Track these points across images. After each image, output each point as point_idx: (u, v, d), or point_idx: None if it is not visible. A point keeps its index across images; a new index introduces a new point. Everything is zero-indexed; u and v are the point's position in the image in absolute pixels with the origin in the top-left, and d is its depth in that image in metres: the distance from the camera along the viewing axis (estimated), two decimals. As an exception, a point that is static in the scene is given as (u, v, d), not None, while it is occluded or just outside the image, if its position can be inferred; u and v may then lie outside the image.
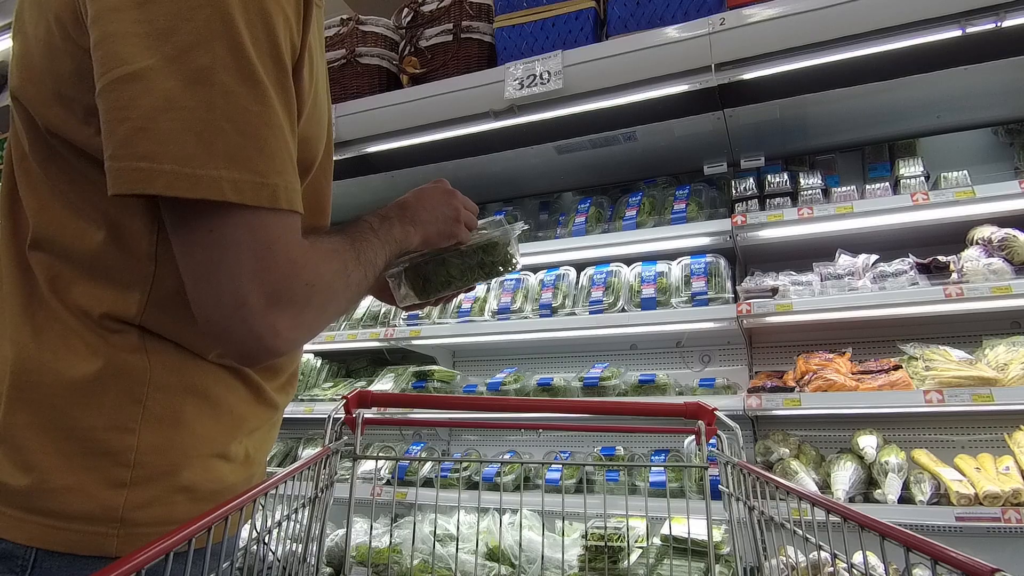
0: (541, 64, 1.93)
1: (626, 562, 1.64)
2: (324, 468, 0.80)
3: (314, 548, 0.78)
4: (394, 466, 2.05)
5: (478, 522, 1.99)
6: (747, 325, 1.98)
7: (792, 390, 1.78)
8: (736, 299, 1.92)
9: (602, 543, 1.60)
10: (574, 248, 2.21)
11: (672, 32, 1.80)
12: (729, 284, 1.99)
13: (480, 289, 2.37)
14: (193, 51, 0.53)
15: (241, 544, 0.62)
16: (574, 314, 2.14)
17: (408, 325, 2.32)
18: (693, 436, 1.01)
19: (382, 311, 2.45)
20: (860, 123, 2.13)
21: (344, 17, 2.37)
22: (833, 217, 1.83)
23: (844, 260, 1.88)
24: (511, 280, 2.32)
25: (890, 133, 2.19)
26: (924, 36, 1.58)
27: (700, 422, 0.95)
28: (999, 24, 1.50)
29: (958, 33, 1.53)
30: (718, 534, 1.88)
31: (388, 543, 1.92)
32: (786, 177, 2.00)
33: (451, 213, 0.82)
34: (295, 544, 0.73)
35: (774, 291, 1.85)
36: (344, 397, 0.89)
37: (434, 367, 2.37)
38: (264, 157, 0.55)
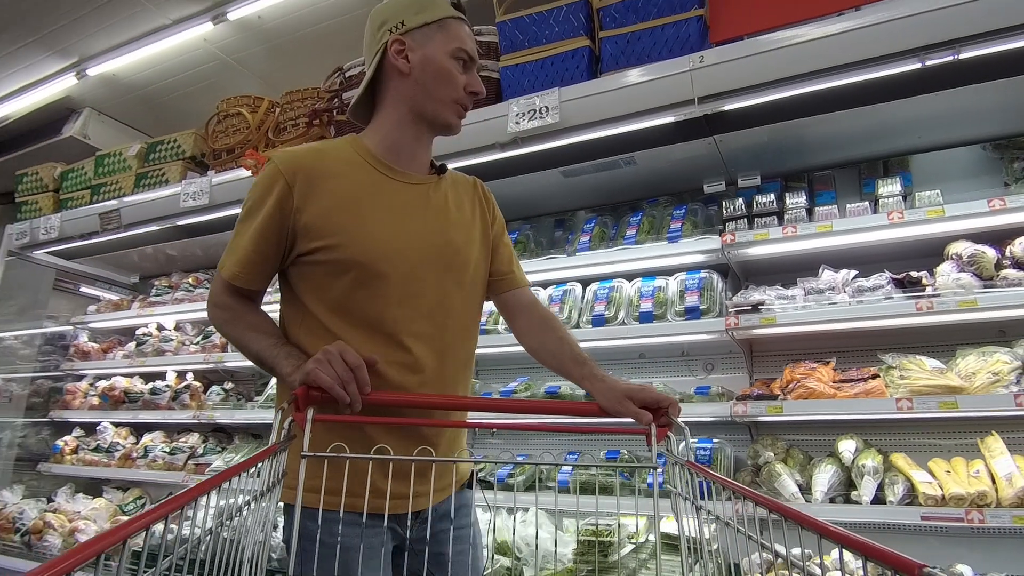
0: (540, 100, 2.12)
1: (615, 556, 1.80)
2: (272, 466, 0.82)
3: (258, 547, 0.79)
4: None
5: (492, 520, 2.18)
6: (738, 337, 2.11)
7: (775, 398, 1.91)
8: (726, 313, 2.06)
9: (593, 538, 1.77)
10: (578, 266, 2.38)
11: (656, 69, 1.96)
12: (722, 298, 2.13)
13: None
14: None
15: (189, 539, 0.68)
16: (579, 327, 2.31)
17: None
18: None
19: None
20: (855, 141, 2.23)
21: (362, 59, 2.61)
22: (815, 235, 1.95)
23: (827, 275, 1.99)
24: (522, 295, 2.51)
25: (884, 150, 2.28)
26: (886, 69, 1.69)
27: (651, 424, 1.04)
28: (957, 56, 1.60)
29: (918, 66, 1.65)
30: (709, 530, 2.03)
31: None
32: (773, 197, 2.12)
33: (318, 363, 0.96)
34: (243, 539, 0.75)
35: (759, 306, 1.98)
36: (294, 393, 0.92)
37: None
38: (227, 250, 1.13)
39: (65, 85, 4.35)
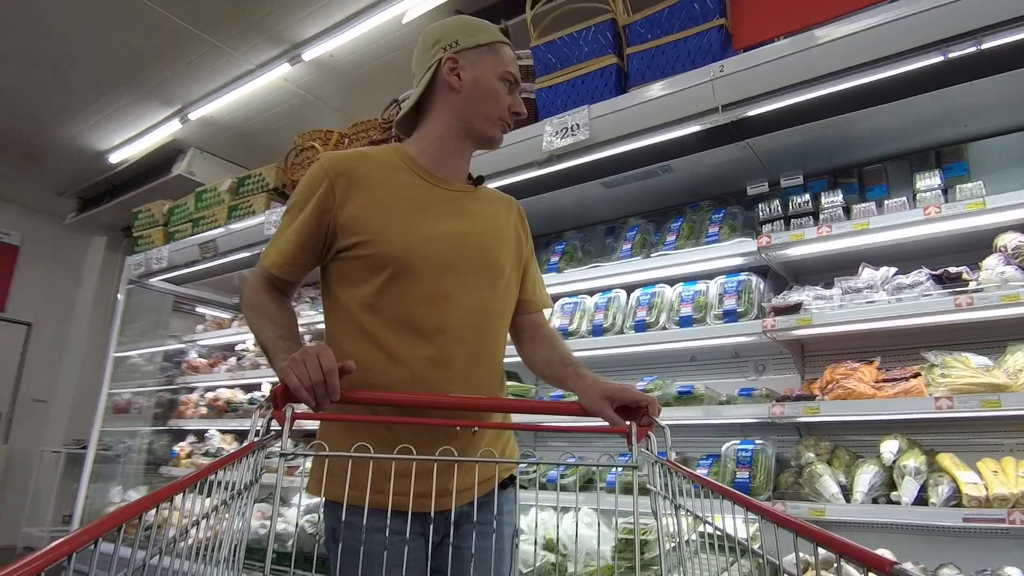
0: (571, 118, 2.23)
1: (651, 553, 1.88)
2: (251, 463, 0.84)
3: (234, 544, 0.79)
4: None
5: (536, 517, 2.31)
6: (780, 339, 2.11)
7: (813, 398, 1.91)
8: (764, 315, 2.07)
9: (630, 536, 1.85)
10: (620, 273, 2.45)
11: (678, 82, 2.02)
12: (760, 301, 2.14)
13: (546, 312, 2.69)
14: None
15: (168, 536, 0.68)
16: (622, 332, 2.39)
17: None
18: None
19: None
20: (902, 133, 2.16)
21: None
22: (851, 234, 1.93)
23: (867, 273, 1.96)
24: (570, 303, 2.62)
25: (935, 140, 2.20)
26: (910, 63, 1.67)
27: (632, 423, 1.05)
28: (979, 47, 1.56)
29: (941, 58, 1.62)
30: (750, 529, 2.05)
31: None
32: (808, 197, 2.11)
33: (293, 361, 0.96)
34: (221, 534, 0.76)
35: (796, 307, 1.99)
36: (273, 390, 0.93)
37: (510, 383, 2.72)
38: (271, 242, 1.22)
39: (172, 129, 4.92)
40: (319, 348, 0.98)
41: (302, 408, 0.95)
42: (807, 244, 2.03)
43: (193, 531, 0.69)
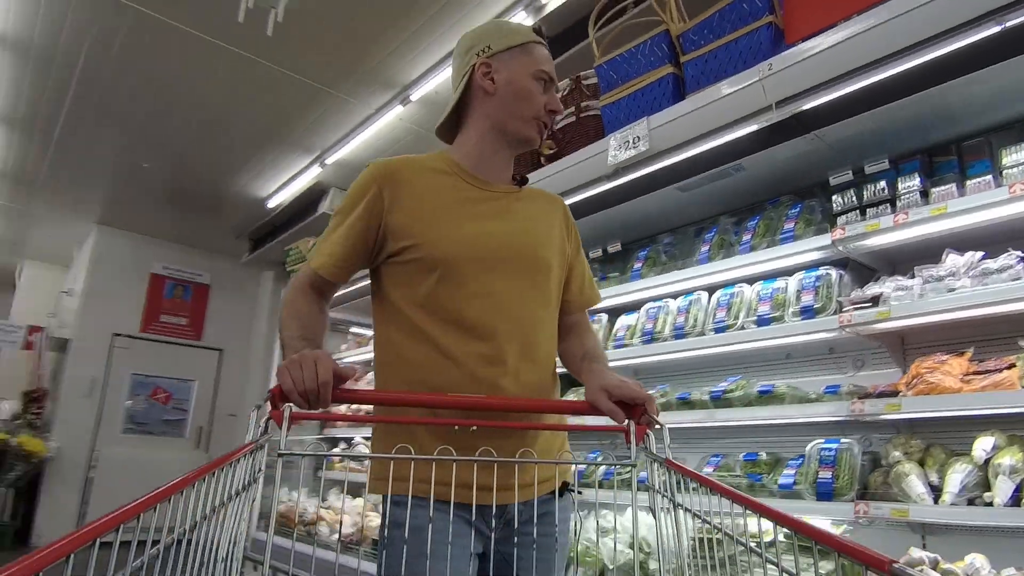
0: (632, 131, 2.32)
1: (728, 552, 1.89)
2: (250, 463, 0.84)
3: (233, 547, 0.80)
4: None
5: (615, 517, 2.40)
6: (864, 332, 2.03)
7: (896, 395, 1.82)
8: (841, 309, 2.01)
9: (708, 535, 1.89)
10: (699, 276, 2.48)
11: (727, 85, 2.04)
12: (837, 295, 2.07)
13: (633, 318, 2.78)
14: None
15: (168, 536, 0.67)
16: (703, 334, 2.42)
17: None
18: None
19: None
20: (996, 103, 1.99)
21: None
22: (928, 220, 1.83)
23: (951, 260, 1.84)
24: (654, 307, 2.68)
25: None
26: (968, 37, 1.57)
27: (630, 421, 1.05)
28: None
29: (997, 29, 1.51)
30: (837, 531, 1.99)
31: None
32: (884, 184, 2.01)
33: (290, 363, 0.98)
34: (220, 538, 0.76)
35: (875, 299, 1.91)
36: (271, 391, 0.93)
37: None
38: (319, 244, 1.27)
39: (314, 174, 5.63)
40: (318, 355, 0.98)
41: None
42: (883, 234, 1.94)
43: (193, 531, 0.68)
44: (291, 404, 0.94)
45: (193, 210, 6.64)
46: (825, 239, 2.07)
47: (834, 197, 2.15)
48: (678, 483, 1.01)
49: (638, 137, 2.29)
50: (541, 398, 1.23)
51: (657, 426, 1.06)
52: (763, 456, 2.32)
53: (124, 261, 7.27)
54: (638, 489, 1.07)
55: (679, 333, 2.49)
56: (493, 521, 1.10)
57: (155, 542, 0.60)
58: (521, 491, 1.10)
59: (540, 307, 1.25)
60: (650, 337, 2.58)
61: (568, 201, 2.63)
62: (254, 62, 4.07)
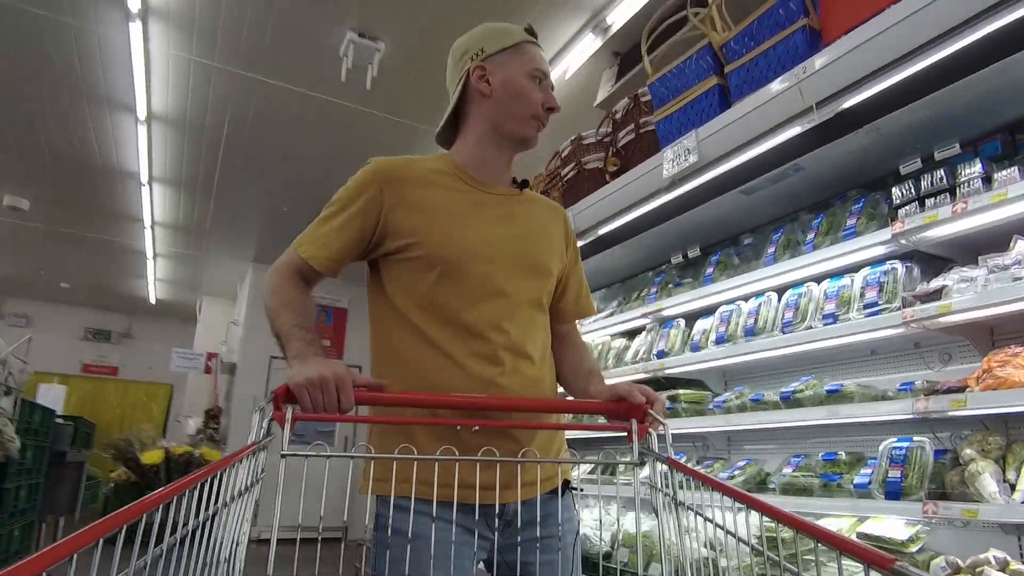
0: (682, 144, 2.41)
1: (787, 552, 1.91)
2: (251, 464, 0.83)
3: (238, 550, 0.80)
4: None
5: (679, 517, 2.45)
6: (932, 327, 1.95)
7: (963, 390, 1.76)
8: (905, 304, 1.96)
9: (773, 534, 1.93)
10: (765, 278, 2.48)
11: (768, 90, 2.08)
12: (904, 289, 2.02)
13: (708, 321, 2.82)
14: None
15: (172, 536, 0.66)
16: (772, 334, 2.43)
17: (656, 359, 2.94)
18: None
19: (642, 352, 3.11)
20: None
21: (572, 138, 3.23)
22: (989, 207, 1.75)
23: (1019, 247, 1.75)
24: (727, 310, 2.71)
25: None
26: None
27: (633, 420, 1.05)
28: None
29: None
30: (911, 531, 1.94)
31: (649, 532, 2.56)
32: (942, 173, 1.94)
33: (307, 375, 0.97)
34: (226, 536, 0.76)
35: (936, 293, 1.86)
36: (274, 392, 0.92)
37: (680, 390, 2.90)
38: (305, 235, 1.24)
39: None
40: (339, 378, 0.98)
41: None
42: (943, 225, 1.87)
43: (196, 532, 0.69)
44: (292, 405, 0.95)
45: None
46: (885, 234, 2.03)
47: (893, 189, 2.10)
48: (680, 482, 1.00)
49: (688, 150, 2.37)
50: (542, 397, 1.24)
51: (660, 426, 1.05)
52: (842, 456, 2.28)
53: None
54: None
55: (749, 335, 2.51)
56: (496, 520, 1.10)
57: (159, 541, 0.61)
58: (524, 490, 1.09)
59: (536, 309, 1.27)
60: (722, 339, 2.62)
61: (632, 215, 2.79)
62: (359, 111, 4.59)
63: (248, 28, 3.76)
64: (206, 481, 0.69)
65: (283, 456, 0.91)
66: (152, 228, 7.06)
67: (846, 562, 0.75)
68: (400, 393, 1.14)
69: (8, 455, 2.30)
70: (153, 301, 10.53)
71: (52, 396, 6.08)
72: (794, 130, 2.07)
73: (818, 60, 1.94)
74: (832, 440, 2.47)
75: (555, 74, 4.00)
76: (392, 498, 1.09)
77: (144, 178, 5.75)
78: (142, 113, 4.66)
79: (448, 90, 1.34)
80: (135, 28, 3.69)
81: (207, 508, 0.70)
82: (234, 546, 0.78)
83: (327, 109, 4.58)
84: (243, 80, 4.28)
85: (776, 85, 2.07)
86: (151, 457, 6.36)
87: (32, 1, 3.57)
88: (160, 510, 0.58)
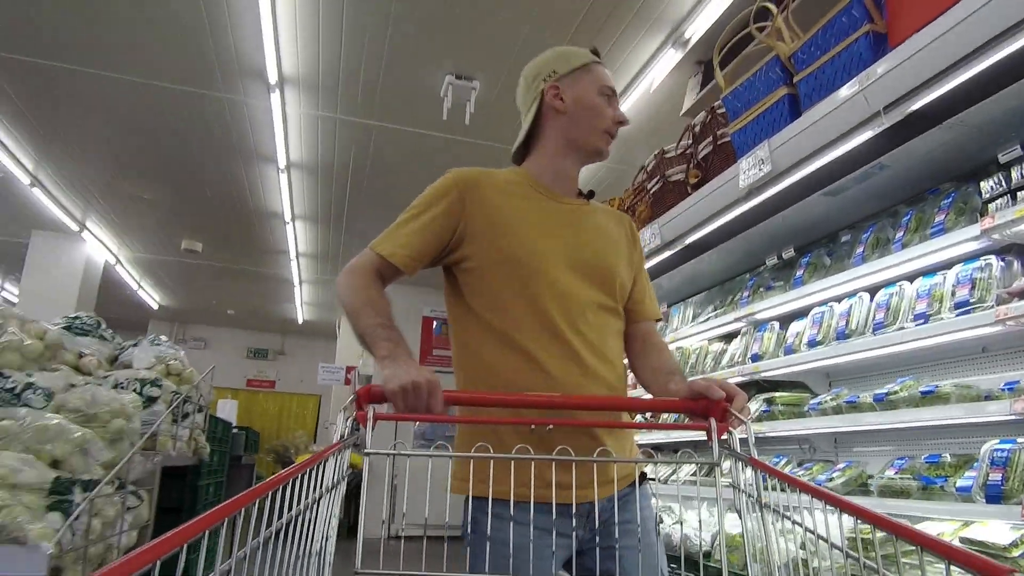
0: (756, 154, 2.47)
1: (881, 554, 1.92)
2: (337, 462, 0.86)
3: (327, 544, 0.81)
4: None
5: (767, 518, 2.47)
6: (1030, 324, 1.89)
7: (1058, 390, 1.70)
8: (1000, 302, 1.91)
9: (867, 536, 1.95)
10: (854, 279, 2.46)
11: (833, 99, 2.11)
12: (998, 286, 1.96)
13: (802, 324, 2.82)
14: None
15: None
16: (863, 335, 2.41)
17: (751, 363, 2.98)
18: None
19: (737, 356, 3.16)
20: None
21: (656, 152, 3.36)
22: (1077, 198, 1.69)
23: (1115, 238, 1.66)
24: (819, 312, 2.71)
25: None
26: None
27: (712, 418, 1.01)
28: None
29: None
30: (1015, 535, 1.87)
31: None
32: (1029, 164, 1.87)
33: (401, 380, 0.99)
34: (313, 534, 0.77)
35: (1027, 289, 1.80)
36: (356, 392, 0.94)
37: (777, 393, 2.92)
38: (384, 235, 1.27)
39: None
40: (431, 383, 1.01)
41: (383, 409, 0.99)
42: (1032, 218, 1.82)
43: (288, 526, 0.71)
44: (374, 405, 0.97)
45: (443, 262, 8.01)
46: (974, 230, 1.98)
47: (983, 183, 2.04)
48: (767, 483, 0.94)
49: (761, 160, 2.44)
50: (620, 396, 1.28)
51: (741, 424, 1.01)
52: (947, 458, 2.22)
53: (403, 308, 9.02)
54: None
55: (841, 337, 2.50)
56: (574, 520, 1.10)
57: (256, 534, 0.62)
58: (601, 488, 1.11)
59: (609, 313, 1.31)
60: (814, 343, 2.63)
61: (716, 224, 2.86)
62: (460, 141, 4.99)
63: (362, 84, 4.29)
64: (297, 478, 0.72)
65: (365, 454, 0.95)
66: (297, 259, 8.00)
67: (937, 568, 0.68)
68: (485, 394, 1.18)
69: (202, 459, 2.89)
70: (301, 322, 11.80)
71: (227, 409, 7.10)
72: (865, 135, 2.09)
73: (879, 67, 1.96)
74: (938, 442, 2.40)
75: (640, 88, 4.12)
76: (471, 496, 1.16)
77: (287, 217, 6.59)
78: (282, 163, 5.40)
79: (520, 111, 1.42)
80: (275, 96, 4.38)
81: (298, 503, 0.72)
82: (324, 540, 0.80)
83: (432, 143, 5.04)
84: (361, 127, 4.85)
85: (842, 92, 2.09)
86: (304, 460, 7.19)
87: (197, 84, 4.36)
88: (256, 504, 0.60)
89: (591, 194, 1.41)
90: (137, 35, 3.87)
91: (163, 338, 2.68)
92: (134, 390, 2.01)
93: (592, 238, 1.32)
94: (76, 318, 2.41)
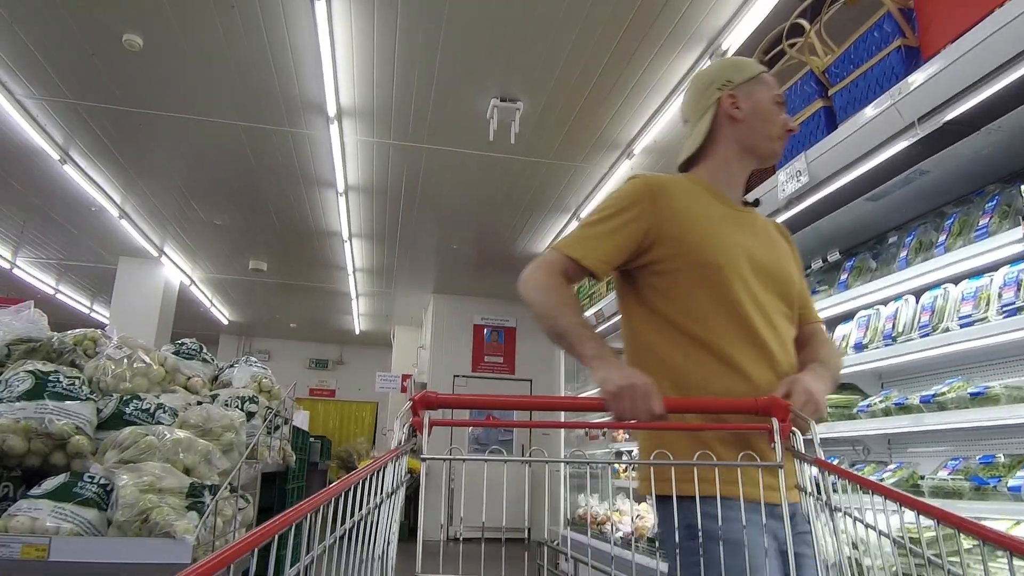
0: (793, 166, 2.56)
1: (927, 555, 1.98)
2: (396, 468, 0.87)
3: (389, 548, 0.83)
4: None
5: (831, 520, 2.52)
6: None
7: (1103, 390, 1.74)
8: (1042, 304, 1.95)
9: (915, 535, 2.02)
10: (897, 282, 2.51)
11: (867, 112, 2.18)
12: (1041, 288, 1.99)
13: (848, 327, 2.87)
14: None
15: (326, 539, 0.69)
16: (911, 339, 2.45)
17: (801, 366, 3.04)
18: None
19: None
20: None
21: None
22: (1113, 202, 1.73)
23: None
24: (865, 315, 2.76)
25: None
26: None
27: (774, 419, 0.98)
28: None
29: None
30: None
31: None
32: (1067, 169, 1.90)
33: (618, 382, 1.02)
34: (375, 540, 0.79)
35: (1068, 291, 1.84)
36: (412, 399, 0.96)
37: (837, 396, 2.96)
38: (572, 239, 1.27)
39: (572, 227, 6.59)
40: (648, 386, 1.03)
41: (439, 415, 1.01)
42: (1071, 222, 1.85)
43: (351, 531, 0.73)
44: (428, 411, 0.98)
45: (494, 270, 8.24)
46: (1017, 232, 2.02)
47: (1022, 187, 2.08)
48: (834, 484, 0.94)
49: (799, 171, 2.52)
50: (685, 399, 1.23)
51: (803, 424, 1.01)
52: (1000, 458, 2.25)
53: (454, 318, 9.30)
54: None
55: (888, 339, 2.55)
56: (786, 522, 1.02)
57: (322, 538, 0.65)
58: (790, 493, 1.06)
59: (790, 320, 1.32)
60: (860, 347, 2.68)
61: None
62: (506, 159, 5.19)
63: (413, 111, 4.55)
64: (358, 484, 0.74)
65: (423, 460, 0.97)
66: (354, 274, 8.39)
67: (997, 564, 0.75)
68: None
69: (289, 466, 3.18)
70: (358, 332, 12.26)
71: (301, 419, 7.49)
72: (900, 145, 2.15)
73: (912, 80, 2.03)
74: (992, 442, 2.42)
75: (677, 103, 4.21)
76: (699, 496, 1.09)
77: (345, 235, 6.94)
78: (341, 187, 5.73)
79: (686, 119, 1.45)
80: (333, 127, 4.69)
81: (360, 508, 0.75)
82: (386, 544, 0.82)
83: (479, 162, 5.26)
84: (412, 150, 5.11)
85: (874, 107, 2.17)
86: (366, 465, 7.56)
87: (265, 120, 4.72)
88: (320, 510, 0.63)
89: (756, 202, 1.43)
90: (211, 80, 4.23)
91: (254, 359, 2.96)
92: (236, 407, 2.27)
93: (769, 246, 1.34)
94: (182, 344, 2.70)
